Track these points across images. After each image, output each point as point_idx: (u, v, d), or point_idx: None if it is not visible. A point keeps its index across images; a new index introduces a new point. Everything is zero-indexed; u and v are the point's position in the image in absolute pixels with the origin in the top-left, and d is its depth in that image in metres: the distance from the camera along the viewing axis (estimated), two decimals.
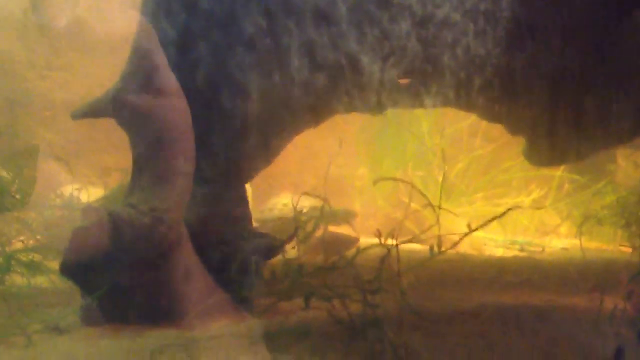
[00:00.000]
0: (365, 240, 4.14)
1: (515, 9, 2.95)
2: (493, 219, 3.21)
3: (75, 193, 3.71)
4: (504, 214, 3.33)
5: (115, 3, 4.08)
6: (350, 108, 3.18)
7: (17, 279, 3.41)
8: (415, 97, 3.10)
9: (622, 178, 4.96)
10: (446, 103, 3.15)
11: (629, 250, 4.08)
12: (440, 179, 4.78)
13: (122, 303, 3.03)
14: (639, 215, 4.26)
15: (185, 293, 3.06)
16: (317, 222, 3.60)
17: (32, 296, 3.31)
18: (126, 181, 3.44)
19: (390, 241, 3.11)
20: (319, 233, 3.70)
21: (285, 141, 3.22)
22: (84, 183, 4.12)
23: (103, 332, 2.99)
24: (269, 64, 2.96)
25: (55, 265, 3.54)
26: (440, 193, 3.51)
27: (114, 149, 4.92)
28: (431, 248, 3.11)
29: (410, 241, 3.20)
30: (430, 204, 3.32)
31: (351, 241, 4.04)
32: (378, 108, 3.17)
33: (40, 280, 3.51)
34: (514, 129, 3.41)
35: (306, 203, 3.96)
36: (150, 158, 3.08)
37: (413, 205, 4.58)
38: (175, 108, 3.01)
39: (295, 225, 3.35)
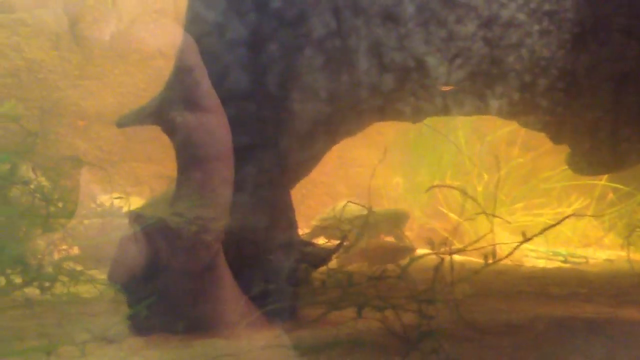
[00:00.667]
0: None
1: (579, 9, 2.89)
2: (548, 227, 3.14)
3: (117, 202, 3.67)
4: (560, 222, 3.25)
5: (157, 17, 4.07)
6: (416, 110, 3.14)
7: (60, 288, 3.36)
8: (480, 99, 3.05)
9: None
10: (510, 105, 3.08)
11: None
12: (480, 188, 4.74)
13: (170, 312, 2.98)
14: None
15: (232, 302, 3.01)
16: (361, 231, 3.54)
17: (77, 306, 3.27)
18: (167, 190, 3.42)
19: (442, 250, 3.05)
20: (371, 242, 3.65)
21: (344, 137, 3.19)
22: (120, 193, 4.08)
23: (151, 342, 2.94)
24: (338, 65, 2.92)
25: (96, 274, 3.51)
26: (495, 201, 3.44)
27: (147, 159, 4.91)
28: (485, 257, 3.05)
29: (462, 250, 3.13)
30: (484, 213, 3.25)
31: (407, 250, 3.98)
32: (444, 110, 3.12)
33: (82, 290, 3.47)
34: (567, 135, 3.35)
35: (356, 211, 3.92)
36: (194, 168, 3.05)
37: (452, 215, 4.53)
38: (216, 124, 3.00)
39: (345, 234, 3.29)
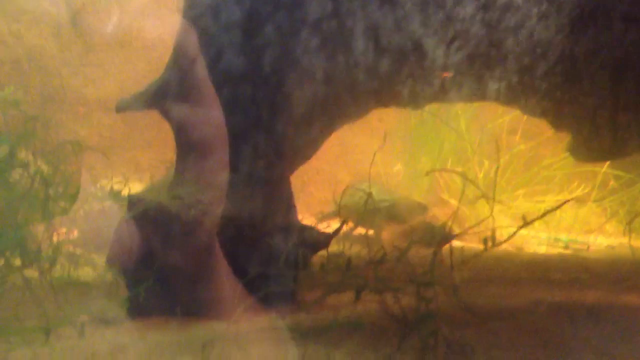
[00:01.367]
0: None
1: None
2: (548, 212, 3.13)
3: (117, 187, 3.67)
4: (560, 206, 3.25)
5: (162, 8, 4.06)
6: (414, 93, 3.12)
7: (59, 271, 3.37)
8: (478, 82, 3.03)
9: None
10: (509, 89, 3.06)
11: None
12: (481, 175, 4.73)
13: (169, 295, 2.99)
14: None
15: (232, 285, 3.01)
16: (360, 217, 3.54)
17: (76, 288, 3.28)
18: (167, 175, 3.42)
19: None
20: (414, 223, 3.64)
21: (342, 125, 3.18)
22: (121, 179, 4.08)
23: (150, 325, 2.95)
24: (335, 47, 2.91)
25: (96, 257, 3.51)
26: (495, 186, 3.43)
27: (148, 145, 4.91)
28: (485, 242, 3.04)
29: (462, 234, 3.13)
30: (485, 196, 3.25)
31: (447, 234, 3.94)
32: (442, 93, 3.10)
33: (82, 273, 3.48)
34: (567, 121, 3.33)
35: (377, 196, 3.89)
36: (191, 153, 3.06)
37: (452, 201, 4.52)
38: (210, 111, 3.01)
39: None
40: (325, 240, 3.28)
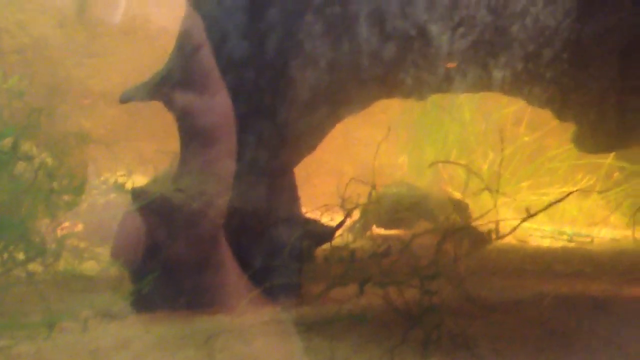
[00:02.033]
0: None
1: None
2: (551, 204, 3.12)
3: (121, 179, 3.67)
4: (564, 198, 3.23)
5: None
6: (418, 81, 3.10)
7: (63, 265, 3.38)
8: (483, 69, 3.01)
9: None
10: (513, 77, 3.03)
11: None
12: (485, 166, 4.71)
13: (173, 288, 2.99)
14: None
15: (235, 278, 3.02)
16: (366, 212, 3.54)
17: (81, 282, 3.29)
18: (170, 167, 3.41)
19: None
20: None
21: (347, 115, 3.16)
22: (124, 170, 4.08)
23: (154, 318, 2.96)
24: (338, 32, 2.88)
25: (100, 251, 3.52)
26: (498, 177, 3.42)
27: (152, 136, 4.90)
28: (488, 234, 3.04)
29: (466, 227, 3.12)
30: (489, 189, 3.24)
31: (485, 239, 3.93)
32: (446, 81, 3.08)
33: (87, 267, 3.48)
34: (575, 112, 3.30)
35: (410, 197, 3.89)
36: (196, 144, 3.05)
37: (457, 193, 4.51)
38: (217, 101, 2.99)
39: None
40: (329, 233, 3.28)
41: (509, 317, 3.01)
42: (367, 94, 3.18)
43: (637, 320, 3.09)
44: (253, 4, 2.95)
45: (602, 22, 2.98)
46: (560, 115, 3.53)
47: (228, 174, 3.00)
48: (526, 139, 4.99)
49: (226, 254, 3.02)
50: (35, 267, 3.18)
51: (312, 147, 3.28)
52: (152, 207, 2.93)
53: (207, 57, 3.00)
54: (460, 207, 4.20)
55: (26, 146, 3.48)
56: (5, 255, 3.05)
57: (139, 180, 4.04)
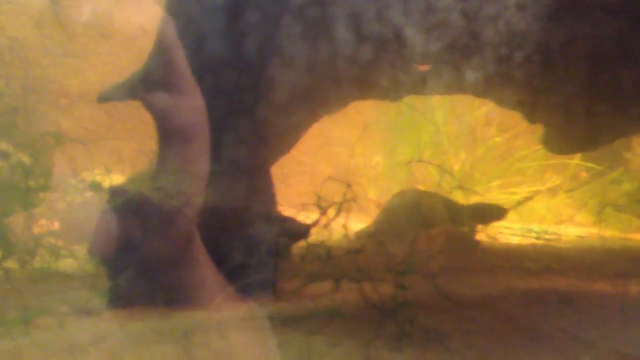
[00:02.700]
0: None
1: None
2: (521, 202, 3.21)
3: (98, 178, 3.68)
4: (532, 197, 3.33)
5: None
6: (394, 82, 3.17)
7: (40, 262, 3.39)
8: (457, 71, 3.08)
9: (639, 165, 4.98)
10: (486, 80, 3.11)
11: None
12: (457, 167, 4.81)
13: (150, 285, 3.02)
14: None
15: (212, 274, 3.06)
16: (340, 208, 3.58)
17: (57, 279, 3.30)
18: (149, 166, 3.44)
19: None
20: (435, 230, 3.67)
21: (322, 115, 3.21)
22: (103, 170, 4.09)
23: (132, 315, 2.98)
24: (317, 34, 2.94)
25: (77, 249, 3.53)
26: (468, 175, 3.50)
27: (131, 136, 4.91)
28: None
29: (440, 223, 3.19)
30: (460, 187, 3.32)
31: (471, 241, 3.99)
32: (420, 84, 3.16)
33: (63, 264, 3.49)
34: (544, 113, 3.40)
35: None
36: (171, 143, 3.09)
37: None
38: (191, 102, 3.04)
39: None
40: (304, 230, 3.33)
41: (480, 312, 3.09)
42: (344, 94, 3.24)
43: (603, 314, 3.19)
44: (232, 5, 3.00)
45: (571, 28, 3.08)
46: (530, 116, 3.62)
47: (205, 173, 3.04)
48: (497, 139, 5.10)
49: (201, 251, 3.05)
50: (11, 264, 3.18)
51: (288, 147, 3.34)
52: (129, 205, 2.96)
53: (184, 58, 3.04)
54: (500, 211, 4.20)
55: (2, 145, 3.49)
56: None
57: (118, 179, 4.06)
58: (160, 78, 2.98)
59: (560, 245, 4.64)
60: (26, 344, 2.64)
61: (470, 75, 3.06)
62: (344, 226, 3.52)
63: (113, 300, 3.03)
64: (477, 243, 4.06)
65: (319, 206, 3.61)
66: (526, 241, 4.76)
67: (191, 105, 2.96)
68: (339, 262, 3.10)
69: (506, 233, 4.78)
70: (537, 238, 4.79)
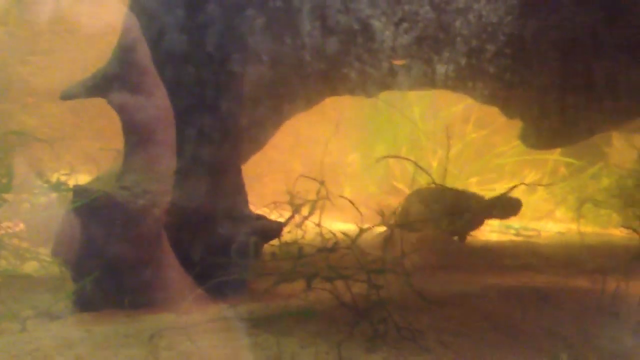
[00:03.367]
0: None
1: None
2: (498, 197, 3.16)
3: (63, 178, 3.59)
4: (508, 192, 3.28)
5: None
6: (362, 76, 3.11)
7: (4, 265, 3.29)
8: (427, 64, 3.02)
9: (618, 160, 4.96)
10: (457, 73, 3.06)
11: (626, 233, 4.07)
12: (434, 163, 4.76)
13: (116, 287, 2.94)
14: (637, 198, 4.25)
15: (180, 276, 2.97)
16: (313, 206, 3.52)
17: (21, 282, 3.20)
18: (114, 165, 3.36)
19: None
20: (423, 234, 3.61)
21: (294, 112, 3.15)
22: (68, 170, 3.99)
23: (97, 318, 2.90)
24: (280, 26, 2.88)
25: (42, 251, 3.43)
26: (445, 172, 3.45)
27: (98, 135, 4.82)
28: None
29: (414, 221, 3.13)
30: (435, 184, 3.26)
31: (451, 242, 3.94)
32: (390, 76, 3.09)
33: (28, 267, 3.39)
34: (517, 108, 3.36)
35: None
36: (138, 142, 3.02)
37: (407, 189, 4.54)
38: (158, 100, 2.97)
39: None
40: (277, 229, 3.26)
41: (456, 310, 3.03)
42: (311, 89, 3.18)
43: (580, 311, 3.15)
44: None
45: (543, 20, 3.04)
46: (505, 111, 3.58)
47: (170, 171, 2.96)
48: (474, 136, 5.07)
49: (168, 252, 2.97)
50: None
51: (258, 144, 3.26)
52: (94, 206, 2.87)
53: (145, 53, 2.98)
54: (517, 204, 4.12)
55: None
56: None
57: (84, 179, 3.97)
58: (122, 75, 2.91)
59: (539, 241, 4.61)
60: None
61: (441, 69, 3.01)
62: (318, 224, 3.46)
63: (78, 304, 2.96)
64: (455, 241, 4.01)
65: (291, 204, 3.55)
66: (505, 238, 4.73)
67: (154, 102, 2.89)
68: (312, 261, 3.03)
69: (485, 230, 4.75)
70: (516, 235, 4.76)
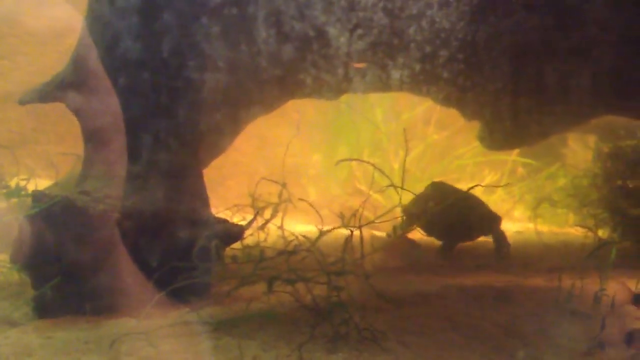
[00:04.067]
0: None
1: None
2: (458, 198, 3.21)
3: (23, 183, 3.55)
4: (468, 190, 3.33)
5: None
6: (318, 82, 3.14)
7: None
8: (382, 70, 3.07)
9: (574, 161, 5.07)
10: (411, 78, 3.11)
11: (582, 232, 4.16)
12: (396, 165, 4.80)
13: (76, 293, 2.92)
14: (592, 198, 4.35)
15: (140, 280, 2.97)
16: (275, 209, 3.54)
17: None
18: (73, 170, 3.34)
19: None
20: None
21: (252, 117, 3.16)
22: (29, 174, 3.96)
23: (58, 324, 2.88)
24: (236, 33, 2.90)
25: (2, 257, 3.40)
26: (403, 174, 3.49)
27: (60, 139, 4.77)
28: (394, 229, 3.10)
29: (373, 222, 3.17)
30: (393, 185, 3.30)
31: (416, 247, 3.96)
32: (345, 81, 3.13)
33: None
34: (472, 110, 3.42)
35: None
36: (96, 146, 3.02)
37: (371, 192, 4.58)
38: (113, 105, 2.98)
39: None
40: (238, 232, 3.26)
41: (416, 310, 3.08)
42: (267, 94, 3.20)
43: (538, 309, 3.21)
44: (147, 6, 2.94)
45: (495, 25, 3.10)
46: (463, 113, 3.64)
47: (121, 175, 2.97)
48: (435, 137, 5.13)
49: (124, 257, 2.97)
50: None
51: (218, 149, 3.26)
52: (52, 211, 2.86)
53: (96, 58, 2.99)
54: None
55: None
56: None
57: (44, 183, 3.93)
58: (79, 80, 2.91)
59: None
60: None
61: (396, 74, 3.06)
62: (280, 227, 3.47)
63: (38, 310, 2.94)
64: (415, 243, 4.06)
65: (254, 207, 3.56)
66: None
67: (105, 106, 2.89)
68: (274, 264, 3.05)
69: None
70: None
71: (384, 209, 4.47)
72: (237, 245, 3.37)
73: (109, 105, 2.89)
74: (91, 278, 2.90)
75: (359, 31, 2.98)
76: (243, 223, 3.43)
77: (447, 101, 3.31)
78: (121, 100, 2.88)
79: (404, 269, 3.75)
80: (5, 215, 3.45)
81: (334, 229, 3.12)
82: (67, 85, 2.98)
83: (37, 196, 2.94)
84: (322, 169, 5.15)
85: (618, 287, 2.95)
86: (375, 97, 4.85)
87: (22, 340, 2.71)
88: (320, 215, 3.20)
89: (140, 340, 2.67)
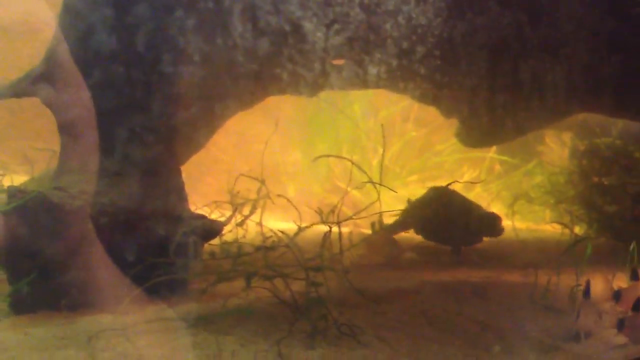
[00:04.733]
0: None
1: None
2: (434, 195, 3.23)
3: None
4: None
5: None
6: (294, 76, 3.13)
7: None
8: (358, 65, 3.08)
9: (550, 158, 5.12)
10: (388, 74, 3.12)
11: (558, 228, 4.21)
12: (375, 162, 4.82)
13: (52, 289, 2.91)
14: (568, 195, 4.40)
15: (114, 276, 2.96)
16: (254, 206, 3.54)
17: None
18: (52, 166, 3.31)
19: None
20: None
21: (229, 112, 3.15)
22: (2, 170, 3.92)
23: (34, 320, 2.86)
24: (211, 27, 2.89)
25: None
26: (381, 170, 3.51)
27: (37, 135, 4.73)
28: (372, 225, 3.11)
29: (351, 218, 3.19)
30: (371, 182, 3.31)
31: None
32: (322, 77, 3.13)
33: None
34: (449, 107, 3.44)
35: None
36: (69, 141, 3.01)
37: (349, 188, 4.59)
38: (76, 100, 2.97)
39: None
40: (216, 228, 3.26)
41: (393, 306, 3.10)
42: (244, 89, 3.19)
43: (514, 304, 3.25)
44: None
45: (470, 22, 3.13)
46: (440, 110, 3.65)
47: (94, 169, 2.95)
48: (414, 134, 5.16)
49: (100, 253, 2.95)
50: None
51: (196, 145, 3.24)
52: (28, 207, 2.83)
53: (66, 51, 2.97)
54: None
55: None
56: None
57: (20, 179, 3.90)
58: (53, 74, 2.89)
59: None
60: None
61: (373, 70, 3.06)
62: (259, 223, 3.47)
63: (14, 306, 2.91)
64: (393, 239, 4.09)
65: (232, 204, 3.56)
66: None
67: (79, 99, 2.88)
68: (252, 260, 3.05)
69: None
70: None
71: (363, 205, 4.50)
72: (215, 241, 3.37)
73: (83, 99, 2.87)
74: (67, 274, 2.88)
75: (336, 26, 2.99)
76: (222, 219, 3.44)
77: (424, 98, 3.33)
78: (95, 94, 2.87)
79: (382, 265, 3.77)
80: None
81: (312, 225, 3.13)
82: (40, 79, 2.95)
83: (12, 192, 2.92)
84: (301, 166, 5.16)
85: (600, 282, 2.98)
86: (354, 94, 4.86)
87: None
88: (299, 212, 3.20)
89: (117, 336, 2.66)
